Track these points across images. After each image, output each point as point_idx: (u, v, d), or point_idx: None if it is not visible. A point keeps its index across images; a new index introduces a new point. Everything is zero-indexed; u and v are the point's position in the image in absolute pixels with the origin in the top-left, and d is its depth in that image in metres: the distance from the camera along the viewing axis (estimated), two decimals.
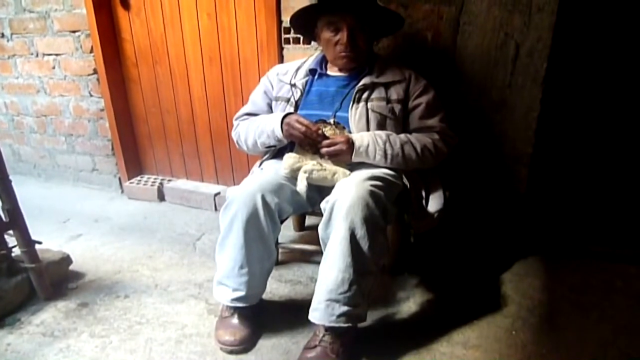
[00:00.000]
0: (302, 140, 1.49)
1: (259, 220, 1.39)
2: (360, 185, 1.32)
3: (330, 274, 1.31)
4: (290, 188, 1.47)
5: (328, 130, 1.49)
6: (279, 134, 1.52)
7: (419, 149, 1.51)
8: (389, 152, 1.47)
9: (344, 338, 1.37)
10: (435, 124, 1.57)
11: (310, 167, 1.45)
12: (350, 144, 1.45)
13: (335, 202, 1.32)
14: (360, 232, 1.28)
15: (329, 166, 1.47)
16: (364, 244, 1.29)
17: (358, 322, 1.39)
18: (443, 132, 1.57)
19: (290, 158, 1.48)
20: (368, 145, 1.46)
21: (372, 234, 1.29)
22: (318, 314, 1.34)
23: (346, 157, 1.47)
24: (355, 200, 1.28)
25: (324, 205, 1.38)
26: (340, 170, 1.46)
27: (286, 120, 1.50)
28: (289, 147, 1.59)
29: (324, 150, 1.46)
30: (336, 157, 1.47)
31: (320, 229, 1.38)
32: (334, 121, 1.52)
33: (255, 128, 1.62)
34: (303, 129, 1.46)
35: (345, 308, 1.31)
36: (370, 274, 1.35)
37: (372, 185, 1.34)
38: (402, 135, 1.52)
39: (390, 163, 1.49)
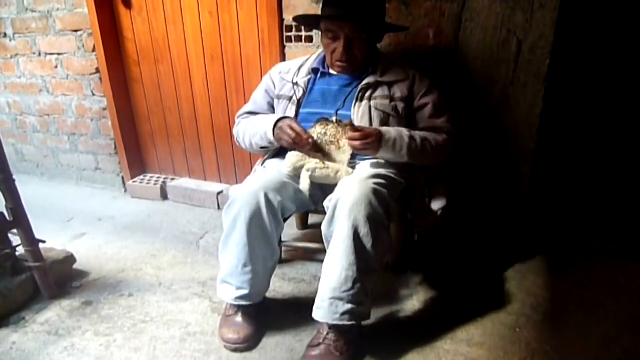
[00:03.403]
0: (291, 146, 1.48)
1: (262, 219, 1.39)
2: (364, 184, 1.32)
3: (333, 272, 1.31)
4: (293, 186, 1.47)
5: (331, 129, 1.48)
6: (270, 137, 1.51)
7: (434, 147, 1.50)
8: (413, 147, 1.44)
9: (347, 336, 1.37)
10: (444, 125, 1.56)
11: (313, 165, 1.45)
12: (379, 136, 1.40)
13: (339, 200, 1.32)
14: (364, 230, 1.28)
15: (332, 164, 1.47)
16: (368, 242, 1.29)
17: (362, 320, 1.39)
18: (450, 132, 1.57)
19: (293, 156, 1.48)
20: (395, 139, 1.42)
21: (375, 232, 1.29)
22: (322, 312, 1.34)
23: (373, 150, 1.42)
24: (359, 199, 1.28)
25: (327, 203, 1.38)
26: (343, 168, 1.46)
27: (279, 124, 1.49)
28: None
29: (353, 143, 1.39)
30: (364, 150, 1.42)
31: (323, 227, 1.38)
32: (336, 119, 1.51)
33: (251, 128, 1.61)
34: (293, 135, 1.44)
35: (349, 306, 1.31)
36: (373, 272, 1.35)
37: (375, 184, 1.33)
38: (419, 132, 1.51)
39: (411, 158, 1.46)
